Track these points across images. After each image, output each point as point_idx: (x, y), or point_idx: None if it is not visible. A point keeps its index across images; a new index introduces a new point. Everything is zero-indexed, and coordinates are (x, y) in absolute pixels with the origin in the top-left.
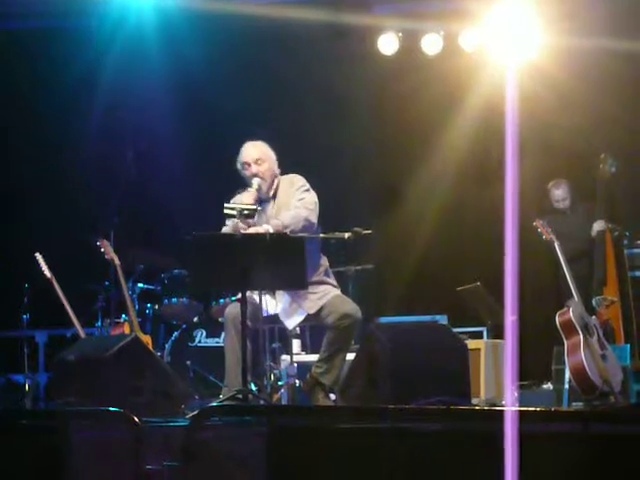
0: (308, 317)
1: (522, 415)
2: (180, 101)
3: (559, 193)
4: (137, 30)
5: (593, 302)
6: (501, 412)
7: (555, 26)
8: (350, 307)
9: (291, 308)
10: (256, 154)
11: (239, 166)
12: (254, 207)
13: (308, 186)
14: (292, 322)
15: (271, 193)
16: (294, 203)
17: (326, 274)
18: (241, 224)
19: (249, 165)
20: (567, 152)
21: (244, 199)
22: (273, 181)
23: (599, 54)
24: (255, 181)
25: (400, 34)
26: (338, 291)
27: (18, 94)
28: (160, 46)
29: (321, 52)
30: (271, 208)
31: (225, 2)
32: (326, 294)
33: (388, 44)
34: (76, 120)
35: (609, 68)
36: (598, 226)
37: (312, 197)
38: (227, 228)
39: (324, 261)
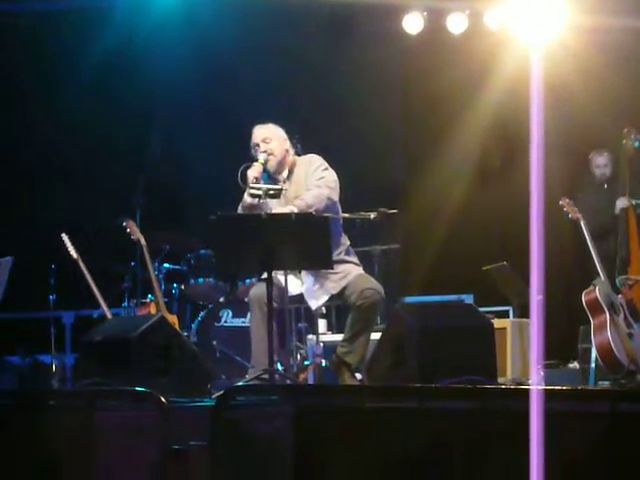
0: (332, 297)
1: (548, 394)
2: (206, 80)
3: (601, 159)
4: (162, 9)
5: (617, 282)
6: (527, 391)
7: (581, 4)
8: (372, 285)
9: (315, 288)
10: (263, 134)
11: (252, 151)
12: (279, 187)
13: (327, 165)
14: (316, 303)
15: (285, 173)
16: (314, 182)
17: (347, 253)
18: (249, 199)
19: (258, 145)
20: (593, 130)
21: (249, 173)
22: (285, 159)
23: (626, 32)
24: (261, 155)
25: (425, 13)
26: (360, 270)
27: (45, 75)
28: (185, 25)
29: (346, 32)
30: (290, 187)
31: None
32: (348, 273)
33: (413, 23)
34: (101, 100)
35: (636, 46)
36: (620, 203)
37: (332, 175)
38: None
39: (345, 240)
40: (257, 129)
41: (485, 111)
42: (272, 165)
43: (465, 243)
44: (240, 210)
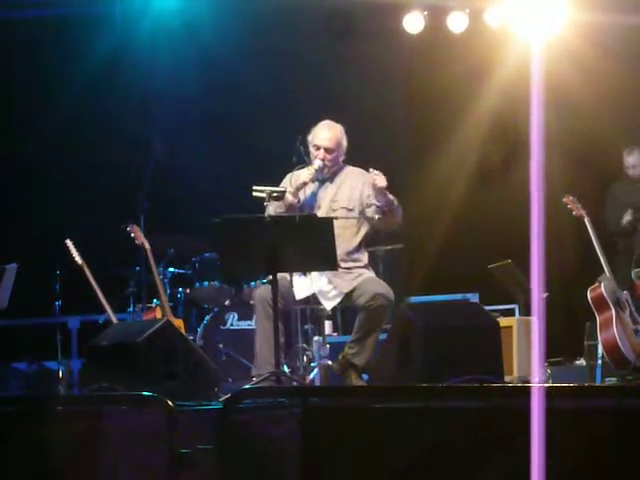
0: (342, 298)
1: (554, 391)
2: (206, 84)
3: (630, 160)
4: (161, 15)
5: (632, 274)
6: (532, 388)
7: (581, 2)
8: (382, 288)
9: (329, 289)
10: (330, 143)
11: (310, 138)
12: (282, 189)
13: None
14: (331, 303)
15: (328, 175)
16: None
17: (362, 255)
18: (290, 197)
19: (319, 149)
20: (594, 127)
21: (302, 175)
22: (335, 167)
23: (627, 30)
24: (317, 162)
25: (425, 12)
26: (372, 273)
27: (45, 82)
28: (184, 31)
29: (346, 32)
30: (331, 190)
31: None
32: (360, 275)
33: (413, 23)
34: (103, 106)
35: (637, 44)
36: None
37: None
38: (271, 208)
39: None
40: (324, 132)
41: (486, 109)
42: (323, 173)
43: (469, 241)
44: (273, 209)
